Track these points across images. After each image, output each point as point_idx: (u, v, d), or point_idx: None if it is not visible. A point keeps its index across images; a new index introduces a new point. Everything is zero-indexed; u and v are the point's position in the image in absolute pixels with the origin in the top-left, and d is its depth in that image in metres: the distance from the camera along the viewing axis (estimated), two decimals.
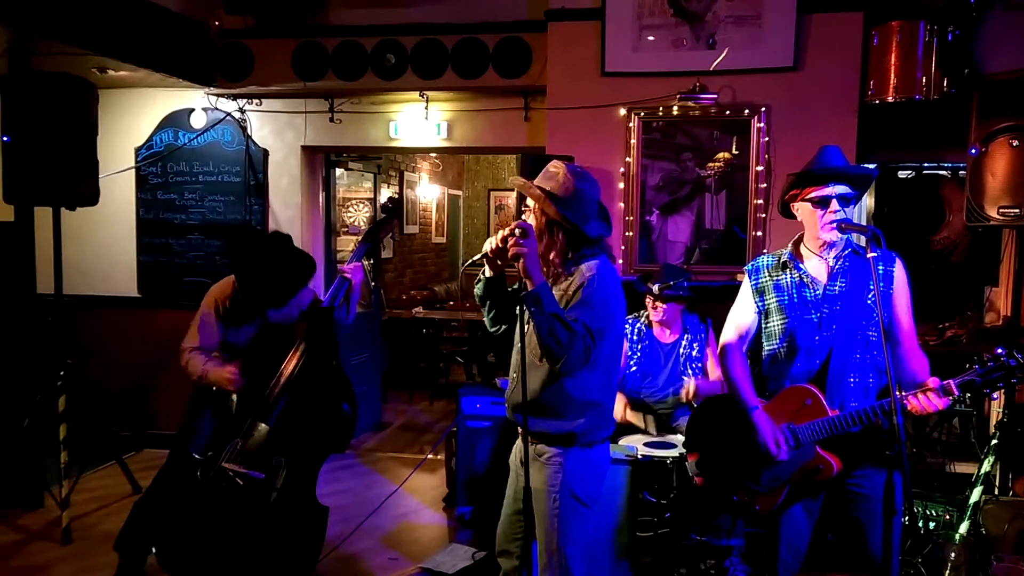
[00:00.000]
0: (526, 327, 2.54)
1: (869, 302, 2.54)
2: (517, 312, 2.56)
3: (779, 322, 2.67)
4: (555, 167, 2.59)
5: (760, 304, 2.72)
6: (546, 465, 2.58)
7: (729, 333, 2.79)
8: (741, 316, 2.79)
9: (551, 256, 2.55)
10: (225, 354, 3.43)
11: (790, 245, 2.72)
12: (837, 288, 2.59)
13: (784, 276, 2.68)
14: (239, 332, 3.47)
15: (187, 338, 3.45)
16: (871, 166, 5.51)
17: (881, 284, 2.52)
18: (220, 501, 3.12)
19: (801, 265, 2.66)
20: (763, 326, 2.73)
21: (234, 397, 3.29)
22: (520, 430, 2.65)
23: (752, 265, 2.79)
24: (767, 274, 2.72)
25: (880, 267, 2.54)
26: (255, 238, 3.74)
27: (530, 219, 2.56)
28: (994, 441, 3.65)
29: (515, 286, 2.52)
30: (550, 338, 2.38)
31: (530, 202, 2.58)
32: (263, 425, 3.18)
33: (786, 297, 2.66)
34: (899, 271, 2.59)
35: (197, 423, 3.46)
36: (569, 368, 2.45)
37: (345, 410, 3.31)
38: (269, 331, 3.43)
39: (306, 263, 3.45)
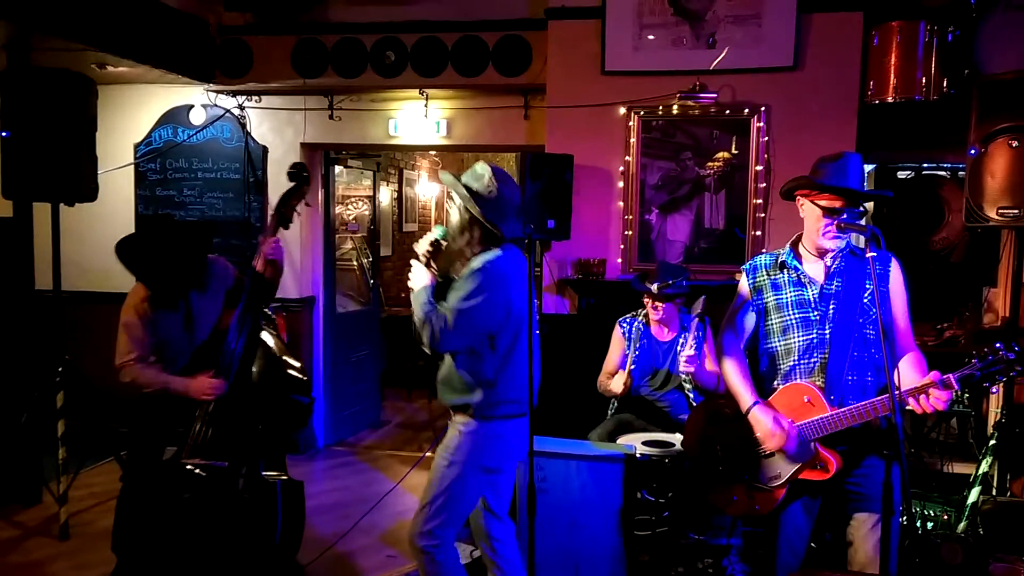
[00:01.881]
0: None
1: (866, 301, 2.56)
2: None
3: (777, 321, 2.67)
4: (482, 169, 2.87)
5: (758, 303, 2.73)
6: (451, 430, 2.98)
7: (726, 332, 2.80)
8: (738, 315, 2.79)
9: (468, 250, 2.85)
10: (169, 356, 3.36)
11: (788, 244, 2.73)
12: (834, 287, 2.60)
13: (782, 275, 2.69)
14: (167, 330, 3.38)
15: (120, 353, 3.32)
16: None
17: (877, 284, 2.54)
18: (191, 496, 3.11)
19: (799, 265, 2.66)
20: (760, 325, 2.73)
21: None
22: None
23: (750, 264, 2.79)
24: (765, 273, 2.73)
25: (877, 267, 2.55)
26: (139, 235, 3.70)
27: (454, 212, 2.89)
28: (992, 442, 3.65)
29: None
30: (416, 323, 2.79)
31: (456, 198, 2.87)
32: (215, 414, 3.17)
33: (784, 296, 2.66)
34: (895, 271, 2.60)
35: (149, 422, 3.41)
36: (437, 347, 2.78)
37: (297, 398, 3.31)
38: (203, 319, 3.39)
39: (196, 229, 3.48)
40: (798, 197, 2.68)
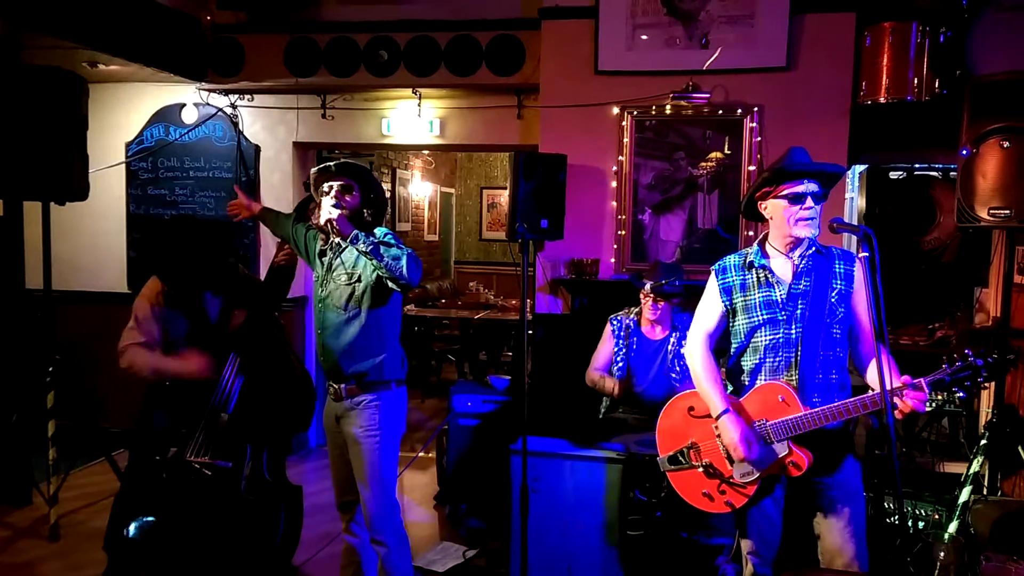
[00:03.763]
0: (327, 287, 3.04)
1: (833, 300, 2.60)
2: (316, 276, 3.14)
3: (745, 321, 2.69)
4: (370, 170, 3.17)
5: (727, 303, 2.74)
6: (364, 411, 3.00)
7: (696, 333, 2.81)
8: (708, 315, 2.80)
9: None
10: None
11: (756, 243, 2.75)
12: (802, 287, 2.62)
13: (750, 275, 2.70)
14: (179, 326, 3.35)
15: (125, 337, 3.28)
16: (862, 167, 5.55)
17: (843, 283, 2.61)
18: (192, 496, 3.10)
19: (767, 263, 2.68)
20: (730, 325, 2.76)
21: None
22: (333, 387, 3.08)
23: (719, 264, 2.81)
24: (733, 273, 2.74)
25: (841, 267, 2.63)
26: (161, 232, 3.76)
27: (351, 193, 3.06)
28: (983, 441, 3.67)
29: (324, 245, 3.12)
30: (389, 260, 2.80)
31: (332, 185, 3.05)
32: (223, 415, 3.17)
33: (752, 297, 2.68)
34: (859, 270, 2.63)
35: (153, 421, 3.40)
36: (409, 281, 2.84)
37: (300, 391, 3.35)
38: (215, 316, 3.40)
39: (216, 229, 3.52)
40: (760, 204, 2.70)
